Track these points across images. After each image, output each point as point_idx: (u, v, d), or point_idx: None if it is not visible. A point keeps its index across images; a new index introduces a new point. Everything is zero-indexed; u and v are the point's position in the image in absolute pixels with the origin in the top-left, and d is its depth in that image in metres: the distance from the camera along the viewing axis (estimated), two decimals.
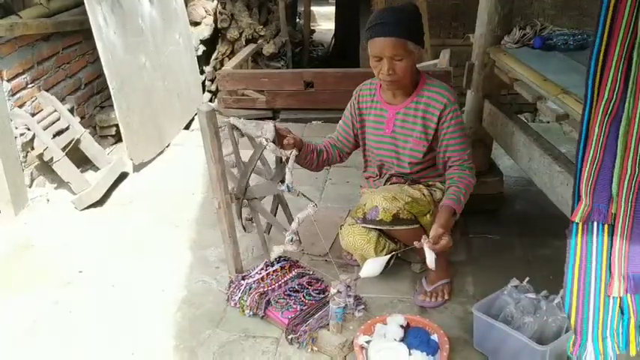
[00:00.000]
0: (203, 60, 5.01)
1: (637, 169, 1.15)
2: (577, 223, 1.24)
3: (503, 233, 2.69)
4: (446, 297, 2.22)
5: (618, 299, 1.22)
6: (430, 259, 1.89)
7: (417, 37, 2.11)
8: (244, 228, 2.40)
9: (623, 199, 1.16)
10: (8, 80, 2.99)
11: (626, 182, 1.15)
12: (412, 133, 2.22)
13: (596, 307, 1.24)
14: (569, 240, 1.26)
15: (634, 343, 1.21)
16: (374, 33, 2.07)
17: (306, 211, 2.06)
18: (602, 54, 1.18)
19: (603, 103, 1.19)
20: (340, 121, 2.43)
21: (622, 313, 1.24)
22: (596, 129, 1.20)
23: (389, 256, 2.04)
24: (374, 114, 2.30)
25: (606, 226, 1.21)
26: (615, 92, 1.18)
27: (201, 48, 4.94)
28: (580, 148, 1.23)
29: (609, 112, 1.19)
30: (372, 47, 2.09)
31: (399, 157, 2.27)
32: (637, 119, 1.14)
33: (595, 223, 1.22)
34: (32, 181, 3.16)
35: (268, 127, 2.05)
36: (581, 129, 1.24)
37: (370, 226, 2.16)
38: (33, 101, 3.20)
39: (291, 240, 2.08)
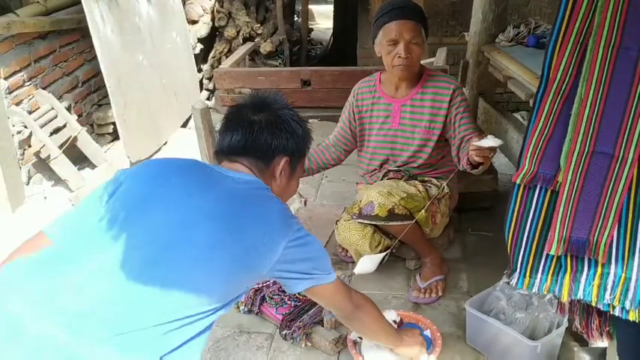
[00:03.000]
0: (200, 58, 5.03)
1: (586, 147, 1.25)
2: (519, 185, 1.38)
3: (497, 230, 2.68)
4: (440, 293, 2.24)
5: (555, 256, 1.35)
6: (490, 142, 1.76)
7: (427, 28, 2.18)
8: None
9: (571, 171, 1.27)
10: (5, 78, 3.00)
11: (574, 156, 1.26)
12: (420, 124, 2.24)
13: (526, 256, 1.39)
14: (510, 197, 1.40)
15: (566, 291, 1.35)
16: (390, 17, 2.10)
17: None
18: (560, 38, 1.28)
19: (556, 83, 1.30)
20: (340, 123, 2.44)
21: (560, 266, 1.36)
22: (547, 106, 1.31)
23: (384, 254, 2.05)
24: (377, 109, 2.31)
25: (549, 191, 1.34)
26: (568, 75, 1.29)
27: (199, 46, 4.95)
28: (531, 122, 1.35)
29: (562, 92, 1.30)
30: (387, 32, 2.11)
31: (406, 148, 2.28)
32: (588, 102, 1.24)
33: (537, 187, 1.36)
34: (29, 178, 3.18)
35: None
36: (534, 105, 1.35)
37: (366, 222, 2.18)
38: (30, 99, 3.21)
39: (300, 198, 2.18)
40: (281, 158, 1.42)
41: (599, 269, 1.29)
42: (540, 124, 1.32)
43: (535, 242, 1.37)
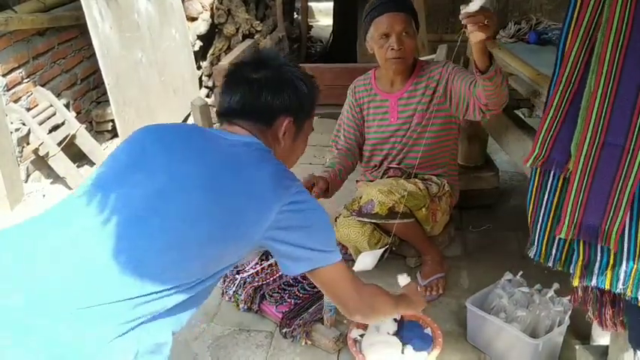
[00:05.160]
0: (200, 55, 5.00)
1: (597, 138, 1.26)
2: (535, 168, 1.42)
3: (498, 228, 2.70)
4: (440, 291, 2.23)
5: (567, 240, 1.38)
6: (476, 4, 1.58)
7: (417, 21, 2.17)
8: None
9: (582, 162, 1.28)
10: (3, 75, 2.98)
11: (585, 148, 1.27)
12: (415, 114, 2.23)
13: (542, 232, 1.44)
14: (529, 179, 1.46)
15: (578, 277, 1.38)
16: (380, 11, 2.10)
17: None
18: (570, 31, 1.29)
19: (566, 75, 1.31)
20: (343, 125, 2.40)
21: (573, 251, 1.40)
22: (557, 97, 1.33)
23: (382, 249, 2.04)
24: (374, 106, 2.30)
25: (562, 178, 1.38)
26: (577, 67, 1.29)
27: (198, 43, 4.93)
28: (544, 110, 1.38)
29: (572, 84, 1.31)
30: (379, 25, 2.11)
31: (405, 141, 2.26)
32: (598, 94, 1.24)
33: (551, 173, 1.40)
34: (28, 176, 3.16)
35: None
36: (547, 96, 1.37)
37: (366, 220, 2.16)
38: (28, 96, 3.20)
39: None
40: (284, 119, 1.33)
41: (612, 260, 1.30)
42: (551, 113, 1.34)
43: (549, 224, 1.42)
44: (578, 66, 1.29)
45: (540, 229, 1.43)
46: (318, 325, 1.99)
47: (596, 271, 1.33)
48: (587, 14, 1.26)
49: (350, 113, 2.37)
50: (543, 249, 1.43)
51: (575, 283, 1.38)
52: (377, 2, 2.13)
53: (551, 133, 1.36)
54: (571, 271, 1.39)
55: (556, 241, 1.41)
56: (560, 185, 1.39)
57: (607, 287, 1.32)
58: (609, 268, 1.30)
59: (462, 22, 1.65)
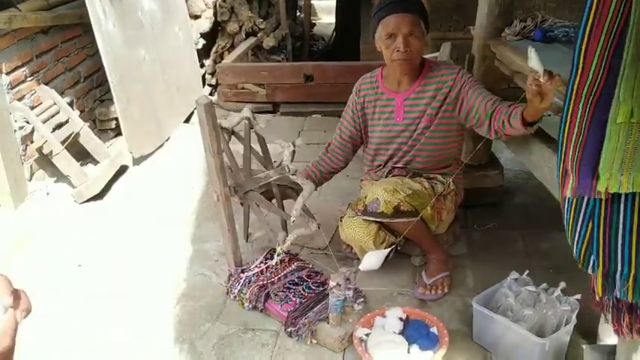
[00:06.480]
0: (203, 53, 5.00)
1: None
2: (570, 199, 1.32)
3: (504, 226, 2.69)
4: (445, 290, 2.22)
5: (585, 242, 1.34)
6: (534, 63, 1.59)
7: (427, 21, 2.14)
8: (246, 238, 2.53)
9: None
10: (7, 73, 2.98)
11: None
12: (423, 115, 2.21)
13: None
14: (565, 209, 1.35)
15: (600, 288, 1.35)
16: (388, 11, 2.09)
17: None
18: (588, 30, 1.18)
19: (587, 83, 1.20)
20: (342, 122, 2.40)
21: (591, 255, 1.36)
22: (580, 108, 1.22)
23: (389, 249, 2.04)
24: (380, 105, 2.29)
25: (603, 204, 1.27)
26: (600, 75, 1.19)
27: (201, 41, 4.93)
28: (562, 125, 1.27)
29: (594, 91, 1.20)
30: (386, 25, 2.09)
31: (411, 143, 2.25)
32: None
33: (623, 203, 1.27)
34: (32, 174, 3.16)
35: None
36: (564, 106, 1.27)
37: (371, 219, 2.16)
38: (32, 94, 3.19)
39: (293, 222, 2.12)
40: None
41: (633, 270, 1.27)
42: (576, 130, 1.23)
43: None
44: (601, 74, 1.18)
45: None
46: (324, 324, 1.98)
47: (617, 282, 1.29)
48: (609, 14, 1.14)
49: (350, 109, 2.37)
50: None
51: (599, 293, 1.33)
52: (386, 1, 2.11)
53: (577, 153, 1.24)
54: (594, 270, 1.34)
55: (576, 239, 1.36)
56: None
57: (630, 298, 1.28)
58: (631, 277, 1.26)
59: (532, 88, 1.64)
